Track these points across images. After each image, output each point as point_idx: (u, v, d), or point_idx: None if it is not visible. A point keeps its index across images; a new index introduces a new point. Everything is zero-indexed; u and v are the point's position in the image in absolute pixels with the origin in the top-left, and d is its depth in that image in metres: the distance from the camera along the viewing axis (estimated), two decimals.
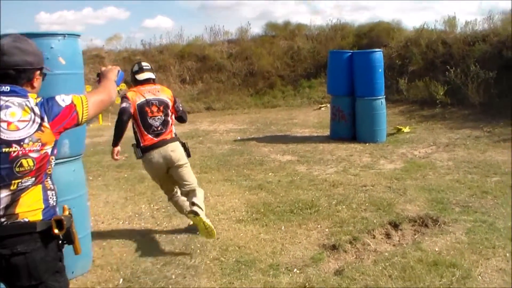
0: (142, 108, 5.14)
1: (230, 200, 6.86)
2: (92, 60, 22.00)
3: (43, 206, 2.41)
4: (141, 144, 5.24)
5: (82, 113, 2.47)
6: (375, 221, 5.67)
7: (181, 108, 5.58)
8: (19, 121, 2.29)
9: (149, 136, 5.17)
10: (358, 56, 11.47)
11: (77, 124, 2.49)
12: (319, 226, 5.66)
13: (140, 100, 5.16)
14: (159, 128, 5.18)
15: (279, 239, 5.32)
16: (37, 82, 2.48)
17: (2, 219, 2.30)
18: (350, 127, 11.25)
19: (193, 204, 5.19)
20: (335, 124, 11.60)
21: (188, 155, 5.52)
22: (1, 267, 2.32)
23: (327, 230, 5.53)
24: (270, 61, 20.84)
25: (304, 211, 6.16)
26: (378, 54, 11.15)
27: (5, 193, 2.29)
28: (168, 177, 5.43)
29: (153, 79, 5.51)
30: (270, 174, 8.36)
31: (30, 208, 2.36)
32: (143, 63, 5.59)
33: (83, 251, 2.75)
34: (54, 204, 2.48)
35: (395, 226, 5.56)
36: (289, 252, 4.98)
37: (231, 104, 19.62)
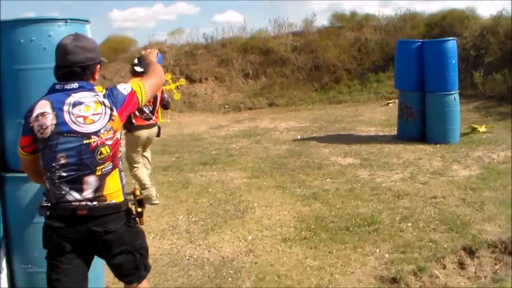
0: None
1: (279, 212, 6.05)
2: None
3: (121, 187, 2.74)
4: (134, 124, 6.45)
5: (142, 98, 2.76)
6: (445, 245, 4.73)
7: (166, 98, 7.24)
8: (93, 114, 2.56)
9: (141, 118, 6.48)
10: (429, 45, 10.27)
11: (138, 108, 2.98)
12: (377, 250, 4.77)
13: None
14: (149, 115, 6.56)
15: (328, 267, 4.47)
16: (97, 74, 2.74)
17: (94, 202, 2.61)
18: (419, 126, 10.15)
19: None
20: (403, 122, 10.53)
21: (158, 136, 7.24)
22: (96, 242, 2.67)
23: (387, 256, 4.64)
24: (336, 54, 19.83)
25: (362, 229, 5.28)
26: (452, 43, 9.97)
27: (93, 178, 2.59)
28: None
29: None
30: (328, 180, 7.50)
31: (114, 189, 2.68)
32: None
33: (93, 276, 2.99)
34: (124, 182, 2.79)
35: (471, 252, 4.62)
36: (339, 285, 4.13)
37: (294, 100, 18.77)
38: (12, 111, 3.51)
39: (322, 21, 27.22)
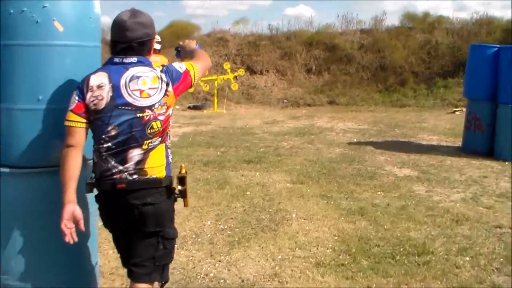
0: None
1: (318, 228, 5.29)
2: (216, 43, 21.22)
3: (165, 163, 2.64)
4: None
5: (194, 77, 2.71)
6: None
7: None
8: (150, 88, 2.52)
9: None
10: (506, 52, 9.13)
11: (191, 86, 2.79)
12: None
13: None
14: None
15: None
16: (152, 49, 2.70)
17: (134, 176, 2.52)
18: (487, 139, 9.14)
19: None
20: (469, 134, 9.53)
21: None
22: (133, 215, 2.55)
23: None
24: (404, 55, 18.82)
25: (410, 259, 4.45)
26: None
27: (138, 151, 2.52)
28: None
29: (156, 49, 6.58)
30: (379, 193, 6.68)
31: (156, 164, 2.58)
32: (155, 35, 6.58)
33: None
34: (170, 160, 2.72)
35: None
36: None
37: (356, 100, 17.90)
38: None
39: (393, 20, 26.08)
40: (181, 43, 3.27)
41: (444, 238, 4.97)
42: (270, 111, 17.63)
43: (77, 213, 2.48)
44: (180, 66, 2.69)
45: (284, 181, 7.32)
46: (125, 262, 2.75)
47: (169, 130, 2.70)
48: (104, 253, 4.38)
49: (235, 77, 17.96)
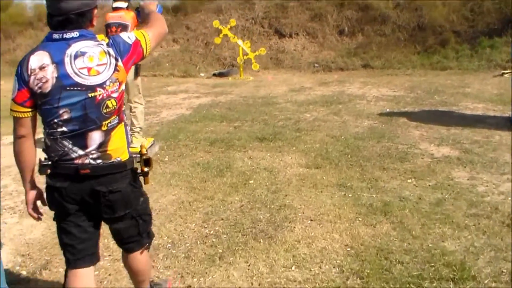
0: (105, 28, 6.44)
1: (327, 235, 4.09)
2: (241, 5, 20.40)
3: (126, 142, 2.54)
4: None
5: (146, 48, 2.51)
6: None
7: (139, 17, 6.28)
8: (98, 65, 2.33)
9: None
10: None
11: (143, 58, 2.56)
12: None
13: (105, 22, 6.48)
14: None
15: None
16: (95, 20, 2.48)
17: (98, 160, 2.42)
18: None
19: (131, 130, 6.66)
20: None
21: (136, 75, 6.58)
22: (100, 203, 2.46)
23: None
24: (444, 14, 17.11)
25: (443, 286, 3.26)
26: None
27: (98, 134, 2.39)
28: None
29: (121, 8, 6.45)
30: (410, 180, 5.43)
31: (119, 145, 2.48)
32: None
33: None
34: (130, 138, 2.88)
35: None
36: None
37: (392, 63, 16.38)
38: None
39: None
40: (141, 2, 2.95)
41: (491, 251, 3.71)
42: (299, 76, 16.32)
43: (39, 194, 2.60)
44: (129, 36, 2.48)
45: (297, 164, 6.14)
46: (71, 248, 2.58)
47: (123, 107, 2.54)
48: None
49: (256, 57, 16.63)
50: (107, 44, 2.38)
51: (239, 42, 16.42)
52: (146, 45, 2.51)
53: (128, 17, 6.44)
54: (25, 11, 22.79)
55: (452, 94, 10.89)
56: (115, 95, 2.38)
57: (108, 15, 6.57)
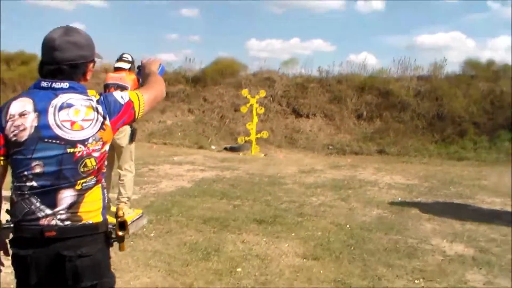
0: (104, 89, 6.03)
1: None
2: (262, 82, 19.78)
3: (101, 206, 2.28)
4: None
5: (139, 110, 2.36)
6: None
7: (141, 82, 5.10)
8: (83, 120, 2.17)
9: None
10: None
11: (133, 120, 2.42)
12: None
13: (104, 82, 6.20)
14: None
15: None
16: (89, 75, 2.35)
17: (67, 222, 2.16)
18: None
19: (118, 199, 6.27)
20: None
21: (131, 140, 6.14)
22: (64, 268, 2.13)
23: None
24: (464, 105, 16.78)
25: None
26: None
27: (70, 193, 2.17)
28: (110, 154, 5.01)
29: (123, 68, 6.14)
30: (417, 281, 4.78)
31: (92, 208, 2.24)
32: (125, 54, 6.25)
33: None
34: (107, 201, 2.36)
35: None
36: None
37: (408, 150, 15.87)
38: None
39: (453, 67, 24.07)
40: (143, 60, 2.85)
41: None
42: (311, 157, 15.82)
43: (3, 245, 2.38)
44: (122, 96, 2.33)
45: (294, 253, 5.51)
46: None
47: (105, 169, 2.31)
48: None
49: (258, 101, 16.39)
50: (97, 101, 2.23)
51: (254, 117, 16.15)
52: (139, 107, 2.35)
53: (128, 79, 6.12)
54: None
55: (468, 186, 10.24)
56: (96, 154, 2.20)
57: (109, 75, 6.33)
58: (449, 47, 38.09)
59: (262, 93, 16.66)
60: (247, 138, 16.35)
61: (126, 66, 6.25)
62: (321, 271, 4.94)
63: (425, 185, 10.38)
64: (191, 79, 20.80)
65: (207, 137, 18.09)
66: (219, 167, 12.32)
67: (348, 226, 6.74)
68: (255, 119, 16.33)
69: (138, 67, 2.92)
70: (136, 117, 2.37)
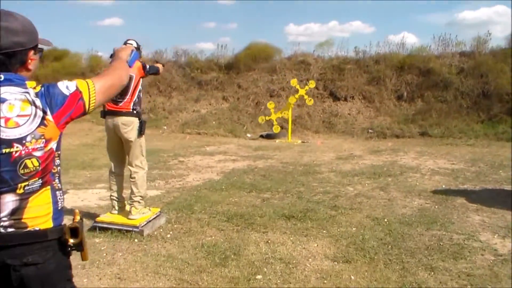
0: None
1: None
2: (297, 66, 19.05)
3: (51, 211, 2.03)
4: (105, 108, 5.46)
5: (89, 101, 2.06)
6: None
7: (148, 69, 5.69)
8: (18, 116, 1.91)
9: (110, 102, 5.36)
10: None
11: (84, 113, 2.09)
12: None
13: None
14: (117, 97, 5.29)
15: None
16: (32, 64, 2.05)
17: (10, 229, 1.93)
18: None
19: (131, 199, 5.71)
20: None
21: (140, 133, 5.59)
22: (9, 279, 1.95)
23: None
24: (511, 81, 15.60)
25: None
26: None
27: (11, 198, 1.92)
28: (119, 150, 5.68)
29: None
30: None
31: (40, 213, 1.99)
32: (129, 40, 5.69)
33: None
34: (62, 205, 2.12)
35: None
36: None
37: (452, 131, 14.92)
38: None
39: (498, 42, 22.81)
40: (115, 47, 2.73)
41: None
42: (350, 142, 15.06)
43: None
44: (67, 86, 2.01)
45: (323, 255, 4.89)
46: None
47: (56, 169, 2.04)
48: None
49: (307, 92, 15.75)
50: (36, 93, 1.95)
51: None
52: (89, 98, 2.06)
53: (133, 67, 5.51)
54: (80, 62, 22.69)
55: None
56: (38, 154, 1.94)
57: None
58: (492, 21, 36.54)
59: (312, 84, 16.01)
60: (267, 118, 15.74)
61: None
62: (352, 277, 4.31)
63: (471, 170, 9.56)
64: (224, 66, 20.20)
65: (242, 124, 17.51)
66: (252, 156, 11.74)
67: (385, 220, 6.06)
68: (291, 106, 15.70)
69: (111, 55, 2.61)
70: (87, 109, 2.07)
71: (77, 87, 2.04)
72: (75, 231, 2.05)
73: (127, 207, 5.82)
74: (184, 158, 11.31)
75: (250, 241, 5.30)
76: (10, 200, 1.93)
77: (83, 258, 2.13)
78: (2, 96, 1.91)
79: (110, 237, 5.48)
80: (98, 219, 5.77)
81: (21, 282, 1.97)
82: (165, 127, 17.63)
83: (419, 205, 6.82)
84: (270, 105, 15.82)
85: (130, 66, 2.47)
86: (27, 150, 1.92)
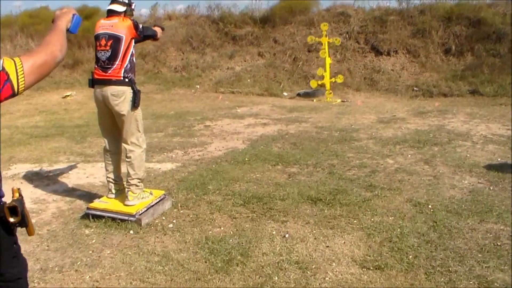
0: (94, 41, 4.81)
1: None
2: (336, 18, 17.76)
3: None
4: (93, 76, 4.76)
5: (18, 82, 1.87)
6: None
7: (141, 29, 4.81)
8: None
9: (98, 69, 4.70)
10: None
11: (13, 95, 1.90)
12: None
13: (95, 33, 4.80)
14: (105, 63, 4.65)
15: None
16: None
17: None
18: None
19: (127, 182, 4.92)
20: None
21: (134, 105, 4.71)
22: None
23: None
24: None
25: None
26: None
27: None
28: (112, 124, 4.90)
29: (116, 11, 4.75)
30: None
31: None
32: None
33: None
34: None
35: None
36: None
37: (507, 90, 13.49)
38: None
39: None
40: (57, 12, 2.22)
41: None
42: (394, 101, 13.87)
43: None
44: None
45: (350, 258, 3.97)
46: None
47: None
48: None
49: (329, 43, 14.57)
50: None
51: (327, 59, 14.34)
52: (17, 79, 1.85)
53: (122, 26, 4.70)
54: None
55: None
56: None
57: (98, 22, 4.87)
58: None
59: (337, 41, 14.75)
60: (320, 82, 14.63)
61: (120, 8, 4.77)
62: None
63: None
64: (259, 19, 18.97)
65: (279, 82, 16.43)
66: (285, 119, 10.74)
67: (430, 206, 5.05)
68: (328, 60, 14.51)
69: (53, 20, 2.18)
70: (16, 91, 1.88)
71: (2, 67, 1.86)
72: (14, 210, 2.01)
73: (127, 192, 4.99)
74: (212, 122, 10.43)
75: (264, 234, 4.41)
76: None
77: (29, 233, 2.13)
78: None
79: (102, 227, 4.69)
80: (91, 205, 4.97)
81: None
82: (198, 86, 16.74)
83: (471, 185, 5.76)
84: (320, 72, 14.62)
85: (73, 33, 2.22)
86: None
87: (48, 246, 4.40)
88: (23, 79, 1.89)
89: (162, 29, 5.34)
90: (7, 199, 2.01)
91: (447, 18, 16.24)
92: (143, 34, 4.82)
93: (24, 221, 2.06)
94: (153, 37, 5.10)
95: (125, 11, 4.76)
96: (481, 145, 7.80)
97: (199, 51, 18.67)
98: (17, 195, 2.06)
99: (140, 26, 4.78)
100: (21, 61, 1.91)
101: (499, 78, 14.07)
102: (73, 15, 2.24)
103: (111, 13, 4.79)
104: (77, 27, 2.23)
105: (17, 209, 2.01)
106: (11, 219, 2.01)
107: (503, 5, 16.08)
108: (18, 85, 1.88)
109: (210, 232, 4.50)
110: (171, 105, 13.48)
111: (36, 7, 22.19)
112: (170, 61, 18.52)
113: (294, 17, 18.26)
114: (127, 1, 4.80)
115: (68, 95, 15.05)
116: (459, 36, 15.89)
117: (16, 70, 1.88)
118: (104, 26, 4.77)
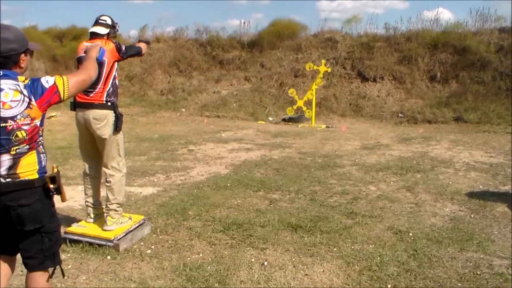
0: (76, 63, 4.82)
1: None
2: (323, 44, 17.90)
3: (37, 167, 2.75)
4: (75, 99, 4.67)
5: (63, 93, 2.76)
6: None
7: (124, 51, 4.76)
8: (11, 101, 2.59)
9: (80, 93, 4.29)
10: None
11: (60, 101, 2.79)
12: None
13: (77, 55, 4.76)
14: (88, 87, 3.82)
15: None
16: (24, 63, 2.75)
17: (8, 179, 2.63)
18: None
19: (106, 207, 4.86)
20: None
21: (116, 129, 4.69)
22: (10, 215, 2.67)
23: None
24: None
25: None
26: None
27: (7, 157, 2.62)
28: (93, 148, 4.86)
29: (99, 34, 4.73)
30: None
31: (28, 169, 2.70)
32: (102, 17, 4.86)
33: None
34: (45, 164, 2.82)
35: None
36: None
37: (490, 117, 13.68)
38: None
39: None
40: (88, 46, 3.56)
41: None
42: (379, 128, 13.97)
43: None
44: (47, 80, 2.73)
45: (328, 287, 3.93)
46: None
47: (40, 139, 2.78)
48: None
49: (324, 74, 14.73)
50: (25, 85, 2.64)
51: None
52: (63, 90, 2.75)
53: (105, 48, 4.56)
54: None
55: None
56: (25, 127, 2.64)
57: (81, 45, 4.74)
58: None
59: (329, 69, 14.97)
60: (295, 107, 14.84)
61: (103, 31, 4.73)
62: None
63: None
64: (247, 44, 19.09)
65: (265, 107, 16.50)
66: (269, 144, 10.75)
67: (410, 234, 5.04)
68: (314, 87, 14.62)
69: (85, 51, 3.15)
70: (62, 98, 2.75)
71: (54, 82, 2.72)
72: (53, 179, 2.76)
73: (108, 218, 4.92)
74: (195, 146, 10.41)
75: (243, 262, 4.36)
76: (6, 159, 2.62)
77: (62, 199, 2.87)
78: (1, 86, 2.56)
79: (79, 252, 4.61)
80: (68, 229, 4.88)
81: (18, 218, 2.68)
82: (183, 110, 16.74)
83: (452, 213, 5.78)
84: (292, 92, 14.74)
85: (99, 61, 3.16)
86: (17, 125, 2.60)
87: (22, 271, 4.31)
88: (67, 90, 2.76)
89: (148, 43, 5.28)
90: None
91: (433, 46, 16.47)
92: (126, 55, 4.79)
93: (59, 189, 2.80)
94: (138, 54, 5.07)
95: (108, 33, 4.73)
96: (463, 172, 7.85)
97: (186, 74, 18.73)
98: (55, 170, 2.79)
99: (123, 47, 4.74)
100: (67, 78, 2.79)
101: (483, 105, 14.25)
102: (100, 48, 3.41)
103: (93, 36, 4.73)
104: (102, 56, 3.32)
105: (56, 179, 2.77)
106: (51, 185, 2.76)
107: (488, 34, 16.34)
108: (64, 94, 2.74)
109: (188, 258, 4.45)
110: (155, 128, 13.45)
111: (25, 26, 22.16)
112: (156, 84, 18.55)
113: (282, 42, 18.43)
114: (110, 23, 4.77)
115: (52, 116, 14.96)
116: (444, 63, 16.11)
117: (63, 84, 2.75)
118: (86, 48, 4.67)
